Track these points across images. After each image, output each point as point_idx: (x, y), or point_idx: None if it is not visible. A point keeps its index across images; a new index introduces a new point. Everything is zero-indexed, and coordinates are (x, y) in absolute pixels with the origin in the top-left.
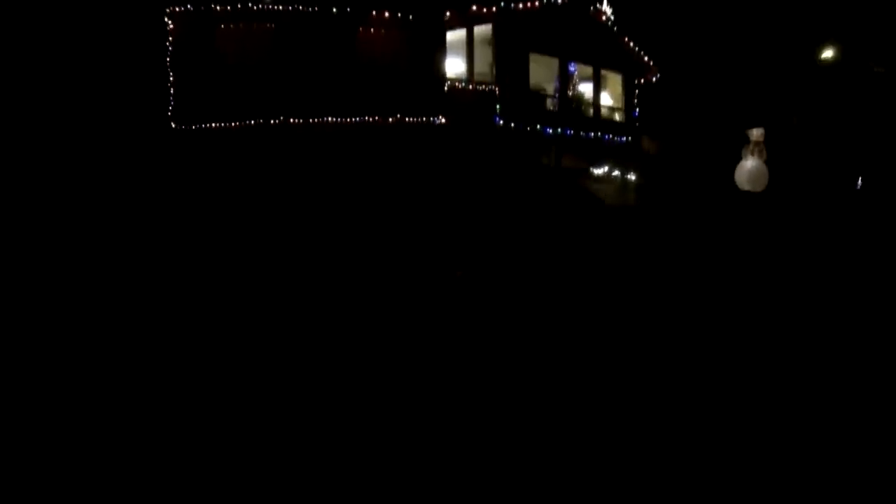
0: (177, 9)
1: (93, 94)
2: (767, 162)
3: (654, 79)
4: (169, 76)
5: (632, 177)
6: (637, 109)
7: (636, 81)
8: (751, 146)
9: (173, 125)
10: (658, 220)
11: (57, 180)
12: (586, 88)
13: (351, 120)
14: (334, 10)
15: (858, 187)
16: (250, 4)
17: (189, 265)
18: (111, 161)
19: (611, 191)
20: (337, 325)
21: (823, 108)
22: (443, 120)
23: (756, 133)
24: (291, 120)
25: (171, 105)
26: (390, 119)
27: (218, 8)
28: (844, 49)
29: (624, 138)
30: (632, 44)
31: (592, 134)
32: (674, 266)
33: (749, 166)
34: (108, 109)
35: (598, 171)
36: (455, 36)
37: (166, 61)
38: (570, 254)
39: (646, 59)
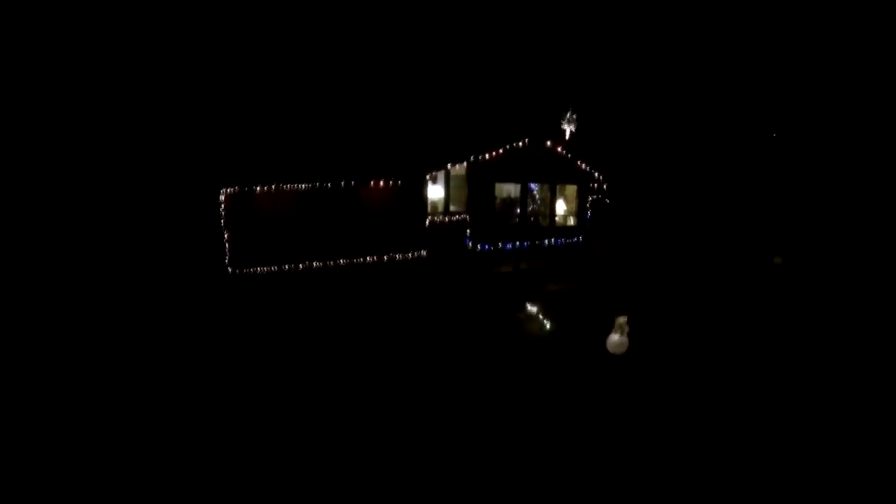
0: (228, 189)
1: (176, 247)
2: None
3: (604, 187)
4: (224, 234)
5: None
6: (589, 213)
7: (590, 186)
8: (616, 327)
9: (230, 270)
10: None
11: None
12: (544, 200)
13: (357, 260)
14: (342, 184)
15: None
16: (281, 185)
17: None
18: (189, 296)
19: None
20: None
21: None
22: (424, 253)
23: (621, 320)
24: (313, 264)
25: (227, 255)
26: (385, 257)
27: (257, 189)
28: None
29: (576, 239)
30: (584, 165)
31: (547, 241)
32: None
33: (615, 340)
34: (186, 258)
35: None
36: (436, 177)
37: (221, 224)
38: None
39: (596, 174)
